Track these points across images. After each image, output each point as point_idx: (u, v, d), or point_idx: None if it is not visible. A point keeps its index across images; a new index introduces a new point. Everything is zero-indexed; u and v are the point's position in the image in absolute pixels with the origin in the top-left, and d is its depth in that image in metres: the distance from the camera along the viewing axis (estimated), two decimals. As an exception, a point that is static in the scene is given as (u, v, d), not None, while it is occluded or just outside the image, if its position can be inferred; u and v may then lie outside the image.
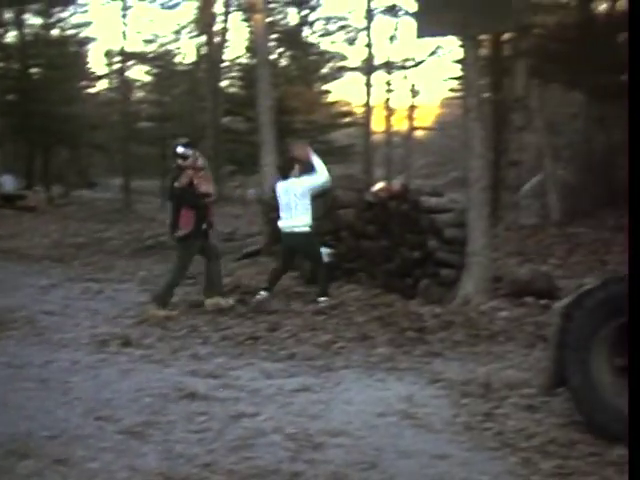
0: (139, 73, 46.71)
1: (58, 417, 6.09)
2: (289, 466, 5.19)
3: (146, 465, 5.16)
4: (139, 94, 49.04)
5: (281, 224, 11.34)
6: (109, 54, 50.50)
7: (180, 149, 10.79)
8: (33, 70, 38.38)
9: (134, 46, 44.42)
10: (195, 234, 10.59)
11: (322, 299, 10.77)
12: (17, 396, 6.63)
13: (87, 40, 44.62)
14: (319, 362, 8.03)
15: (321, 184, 11.19)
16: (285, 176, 11.46)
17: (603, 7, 26.60)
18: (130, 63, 44.26)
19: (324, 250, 11.94)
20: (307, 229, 11.13)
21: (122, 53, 41.02)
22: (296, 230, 11.12)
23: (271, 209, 14.99)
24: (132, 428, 5.84)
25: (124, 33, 40.18)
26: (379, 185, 16.08)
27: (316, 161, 11.00)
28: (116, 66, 47.84)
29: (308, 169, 11.24)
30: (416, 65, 41.60)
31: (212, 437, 5.72)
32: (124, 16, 39.71)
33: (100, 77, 49.98)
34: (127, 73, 44.39)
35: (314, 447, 5.56)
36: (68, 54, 41.10)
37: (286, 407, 6.49)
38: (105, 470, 5.07)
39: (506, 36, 22.84)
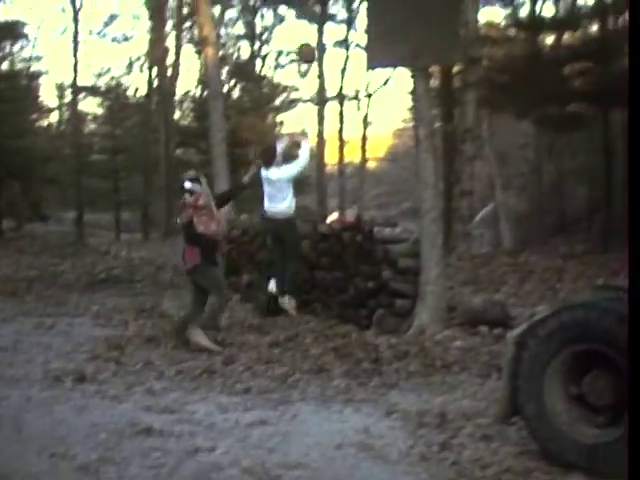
0: (91, 106, 46.56)
1: (11, 455, 6.01)
2: (246, 500, 5.16)
3: (102, 503, 5.10)
4: (91, 126, 48.83)
5: (265, 212, 11.82)
6: (60, 87, 50.34)
7: (187, 184, 10.64)
8: (-17, 103, 38.03)
9: (86, 79, 44.26)
10: (205, 264, 10.54)
11: (287, 301, 10.93)
12: (-31, 435, 6.53)
13: (38, 73, 44.40)
14: (275, 395, 8.00)
15: (299, 171, 11.98)
16: (267, 165, 11.81)
17: (550, 40, 27.16)
18: (82, 96, 44.11)
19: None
20: (291, 214, 11.75)
21: (73, 86, 40.84)
22: (279, 217, 11.57)
23: (226, 241, 15.00)
24: (87, 465, 5.77)
25: (75, 66, 40.04)
26: (333, 216, 16.18)
27: (303, 148, 11.66)
28: (68, 99, 47.69)
29: (288, 158, 12.04)
30: (368, 96, 41.99)
31: (168, 473, 5.68)
32: (75, 49, 39.60)
33: (52, 110, 49.74)
34: (79, 106, 44.23)
35: (271, 480, 5.54)
36: (19, 87, 40.79)
37: (243, 441, 6.46)
38: (60, 509, 5.00)
39: (456, 67, 23.16)
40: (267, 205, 11.93)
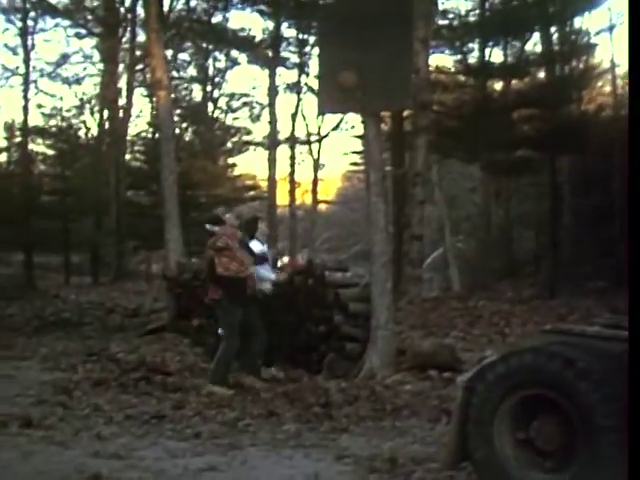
0: (41, 147, 46.24)
1: (-45, 504, 5.90)
2: None
3: None
4: (41, 167, 48.45)
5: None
6: (10, 127, 49.93)
7: (207, 226, 10.78)
8: None
9: (36, 120, 43.97)
10: (227, 301, 10.47)
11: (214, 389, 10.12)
12: None
13: (-14, 113, 44.06)
14: (225, 440, 7.95)
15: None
16: (251, 237, 11.58)
17: (498, 86, 27.61)
18: (32, 137, 43.81)
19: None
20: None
21: (24, 127, 40.58)
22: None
23: (177, 285, 14.94)
24: (33, 513, 5.69)
25: (25, 107, 39.82)
26: (284, 260, 16.20)
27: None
28: (17, 139, 47.28)
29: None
30: (319, 140, 42.24)
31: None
32: (25, 90, 39.40)
33: (0, 150, 49.32)
34: (29, 146, 43.91)
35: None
36: (-33, 128, 40.52)
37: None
38: None
39: (406, 112, 23.43)
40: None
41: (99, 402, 9.53)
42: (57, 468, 6.83)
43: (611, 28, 27.73)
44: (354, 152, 41.28)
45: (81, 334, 16.00)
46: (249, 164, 79.30)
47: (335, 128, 41.83)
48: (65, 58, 42.08)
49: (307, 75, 38.03)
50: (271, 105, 37.92)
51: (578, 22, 27.09)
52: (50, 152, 45.36)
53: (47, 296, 24.79)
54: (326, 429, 8.41)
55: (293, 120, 40.12)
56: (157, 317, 16.73)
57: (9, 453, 7.38)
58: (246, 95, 43.69)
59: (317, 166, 43.73)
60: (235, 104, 44.18)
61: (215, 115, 44.09)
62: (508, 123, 23.69)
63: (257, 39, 37.11)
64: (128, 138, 40.28)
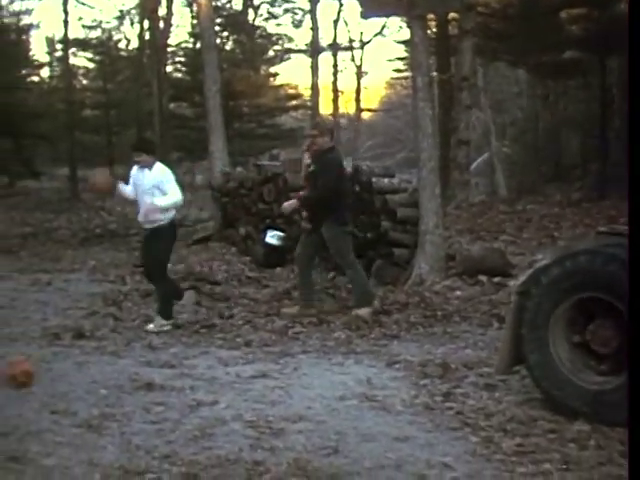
0: (82, 60, 46.08)
1: (11, 413, 5.95)
2: (250, 455, 5.12)
3: (104, 459, 5.06)
4: (83, 81, 48.38)
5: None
6: (51, 41, 49.82)
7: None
8: (-28, 59, 37.59)
9: (76, 33, 43.79)
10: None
11: (151, 326, 8.95)
12: (-32, 393, 6.48)
13: (28, 27, 43.88)
14: (276, 348, 7.97)
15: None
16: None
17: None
18: (73, 50, 43.64)
19: (277, 233, 11.89)
20: None
21: (64, 40, 40.38)
22: None
23: (222, 194, 14.91)
24: (88, 421, 5.73)
25: (66, 20, 39.57)
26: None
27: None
28: (59, 53, 47.19)
29: None
30: (362, 46, 41.64)
31: (170, 427, 5.64)
32: (65, 2, 39.10)
33: (42, 65, 49.25)
34: (70, 60, 43.77)
35: (275, 434, 5.50)
36: (9, 42, 40.33)
37: (244, 394, 6.42)
38: (62, 466, 4.96)
39: (452, 15, 22.90)
40: None
41: (149, 313, 9.57)
42: (110, 377, 6.88)
43: None
44: (398, 58, 40.69)
45: (128, 245, 16.07)
46: (291, 72, 78.58)
47: (378, 33, 41.20)
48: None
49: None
50: (313, 11, 37.30)
51: None
52: (91, 65, 45.27)
53: (93, 208, 24.91)
54: (376, 336, 8.40)
55: (335, 26, 39.51)
56: (203, 227, 16.72)
57: (64, 363, 7.46)
58: (288, 1, 42.93)
59: (360, 73, 43.22)
60: (276, 11, 43.49)
61: (256, 23, 43.47)
62: (556, 24, 23.00)
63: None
64: (169, 49, 39.97)
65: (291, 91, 43.25)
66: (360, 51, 42.42)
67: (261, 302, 10.04)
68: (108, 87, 41.17)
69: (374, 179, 11.29)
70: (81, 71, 47.19)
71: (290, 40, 43.15)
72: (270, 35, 42.12)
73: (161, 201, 8.83)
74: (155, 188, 8.92)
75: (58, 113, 39.51)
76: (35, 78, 48.56)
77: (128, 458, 5.07)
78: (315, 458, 5.05)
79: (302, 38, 64.27)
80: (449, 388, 6.46)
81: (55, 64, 49.93)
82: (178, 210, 9.56)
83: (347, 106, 46.83)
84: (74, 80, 44.07)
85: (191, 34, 38.44)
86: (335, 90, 40.48)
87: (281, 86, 43.21)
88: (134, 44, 43.85)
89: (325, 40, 40.34)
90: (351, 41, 41.80)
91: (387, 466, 4.96)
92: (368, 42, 41.76)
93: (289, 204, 9.74)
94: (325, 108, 40.73)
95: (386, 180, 11.43)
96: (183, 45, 40.56)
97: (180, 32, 42.39)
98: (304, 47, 42.13)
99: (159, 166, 9.13)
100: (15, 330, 8.82)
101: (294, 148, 36.54)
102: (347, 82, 45.80)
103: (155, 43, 37.46)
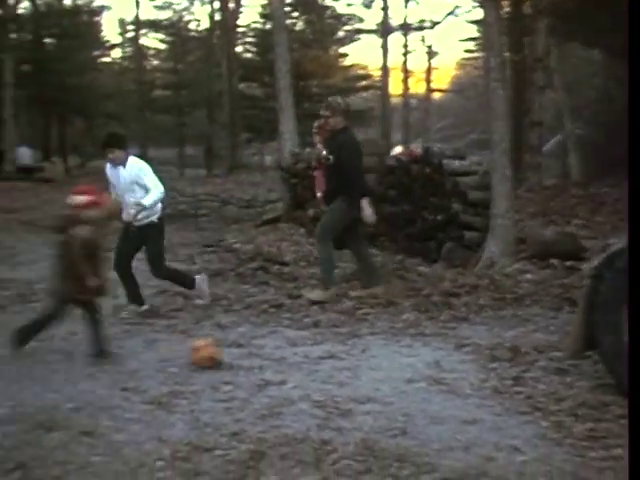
0: (153, 41, 46.51)
1: (84, 389, 6.05)
2: (317, 434, 5.12)
3: (173, 435, 5.10)
4: (154, 62, 48.85)
5: None
6: (122, 22, 50.35)
7: None
8: (47, 40, 38.17)
9: (148, 14, 44.24)
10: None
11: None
12: (42, 369, 6.59)
13: (100, 9, 44.41)
14: (344, 329, 7.96)
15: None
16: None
17: (623, -38, 26.21)
18: (144, 31, 44.05)
19: None
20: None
21: (135, 21, 40.78)
22: None
23: (291, 175, 14.93)
24: (158, 398, 5.79)
25: (137, 1, 39.96)
26: (398, 149, 15.95)
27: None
28: (130, 34, 47.68)
29: None
30: (433, 26, 41.30)
31: (239, 406, 5.67)
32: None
33: (114, 46, 49.83)
34: (141, 41, 44.21)
35: (342, 414, 5.49)
36: (81, 23, 40.86)
37: (312, 375, 6.43)
38: (132, 441, 5.02)
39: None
40: None
41: (218, 292, 9.63)
42: (180, 355, 6.94)
43: None
44: (470, 39, 40.29)
45: (198, 225, 16.19)
46: (361, 53, 78.35)
47: (450, 13, 40.81)
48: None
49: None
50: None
51: None
52: (162, 46, 45.68)
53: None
54: (445, 318, 8.33)
55: (406, 6, 39.23)
56: (272, 208, 16.79)
57: (134, 341, 7.56)
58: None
59: (431, 54, 42.88)
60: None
61: (326, 3, 43.34)
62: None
63: None
64: (239, 29, 40.11)
65: (361, 71, 43.15)
66: (431, 31, 42.09)
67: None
68: (178, 68, 41.57)
69: (445, 161, 11.18)
70: (152, 52, 47.69)
71: (360, 20, 42.96)
72: (340, 15, 41.96)
73: (147, 200, 8.49)
74: (134, 184, 8.62)
75: (129, 94, 40.06)
76: (106, 59, 49.28)
77: (197, 435, 5.11)
78: (382, 439, 5.03)
79: (372, 18, 63.88)
80: (519, 372, 6.38)
81: (126, 45, 50.48)
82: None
83: (417, 87, 46.52)
84: (145, 61, 44.59)
85: (261, 14, 38.52)
86: (405, 70, 40.24)
87: (351, 66, 43.14)
88: (204, 25, 44.25)
89: (396, 20, 40.11)
90: (422, 21, 41.45)
91: (455, 448, 4.92)
92: (439, 22, 41.34)
93: (371, 213, 9.38)
94: (395, 89, 40.56)
95: (457, 162, 11.29)
96: (253, 25, 40.66)
97: (250, 12, 42.64)
98: (374, 27, 41.91)
99: (133, 160, 8.79)
100: (87, 307, 8.94)
101: (363, 129, 36.52)
102: (417, 62, 45.46)
103: (225, 24, 37.66)
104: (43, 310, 7.19)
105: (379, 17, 38.81)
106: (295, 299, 9.26)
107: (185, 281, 9.18)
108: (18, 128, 34.64)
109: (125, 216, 8.74)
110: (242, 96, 37.31)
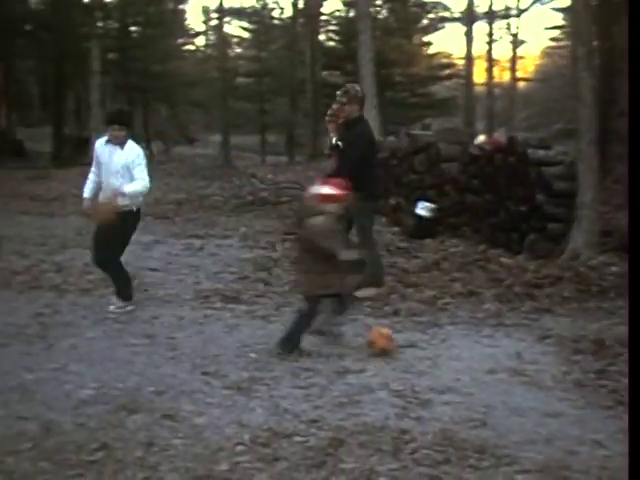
0: (237, 29, 46.84)
1: (165, 372, 6.13)
2: (396, 423, 5.12)
3: (253, 420, 5.14)
4: (237, 50, 49.19)
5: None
6: (206, 10, 50.80)
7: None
8: (132, 28, 38.66)
9: (232, 1, 44.58)
10: None
11: (113, 307, 8.33)
12: (125, 351, 6.70)
13: (184, -4, 44.87)
14: (424, 318, 7.91)
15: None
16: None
17: None
18: (227, 19, 44.35)
19: (427, 205, 11.77)
20: None
21: (219, 9, 41.06)
22: None
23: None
24: (238, 384, 5.84)
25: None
26: (481, 138, 15.80)
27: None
28: (214, 22, 48.07)
29: None
30: (519, 14, 40.75)
31: (318, 393, 5.68)
32: (221, -28, 39.75)
33: (198, 34, 50.31)
34: (225, 29, 44.49)
35: (421, 404, 5.47)
36: (166, 11, 41.29)
37: (392, 363, 6.41)
38: (213, 425, 5.07)
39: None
40: None
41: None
42: (260, 341, 6.98)
43: None
44: (556, 27, 39.64)
45: (279, 213, 16.24)
46: (445, 41, 77.77)
47: (536, 1, 40.23)
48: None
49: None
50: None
51: None
52: (245, 34, 45.92)
53: (244, 176, 25.28)
54: (528, 309, 8.22)
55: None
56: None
57: (215, 326, 7.62)
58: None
59: (516, 42, 42.33)
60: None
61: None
62: None
63: None
64: (322, 17, 40.10)
65: (444, 60, 42.80)
66: (516, 19, 41.52)
67: (410, 272, 9.96)
68: (261, 55, 41.72)
69: (529, 150, 11.01)
70: (235, 40, 47.99)
71: (445, 9, 42.57)
72: (424, 3, 41.65)
73: (130, 188, 8.13)
74: (125, 169, 8.23)
75: (212, 81, 40.33)
76: (190, 47, 49.76)
77: (276, 421, 5.14)
78: (462, 430, 5.00)
79: (457, 5, 63.36)
80: (603, 365, 6.29)
81: (210, 33, 50.92)
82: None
83: (502, 75, 46.01)
84: (228, 48, 44.84)
85: (345, 2, 38.45)
86: (489, 59, 39.81)
87: (434, 55, 42.80)
88: (288, 13, 44.22)
89: (481, 8, 39.71)
90: (508, 9, 40.93)
91: (536, 441, 4.86)
92: (525, 10, 40.84)
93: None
94: (479, 77, 40.14)
95: (541, 152, 11.09)
96: (336, 13, 40.60)
97: (333, 0, 42.57)
98: (459, 15, 41.54)
99: (131, 145, 8.43)
100: (169, 292, 9.07)
101: (447, 117, 36.25)
102: (501, 51, 44.99)
103: (309, 12, 37.68)
104: (299, 312, 7.08)
105: (464, 5, 38.51)
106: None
107: (122, 290, 8.41)
108: (104, 115, 35.12)
109: (102, 199, 8.37)
110: (324, 84, 37.25)
